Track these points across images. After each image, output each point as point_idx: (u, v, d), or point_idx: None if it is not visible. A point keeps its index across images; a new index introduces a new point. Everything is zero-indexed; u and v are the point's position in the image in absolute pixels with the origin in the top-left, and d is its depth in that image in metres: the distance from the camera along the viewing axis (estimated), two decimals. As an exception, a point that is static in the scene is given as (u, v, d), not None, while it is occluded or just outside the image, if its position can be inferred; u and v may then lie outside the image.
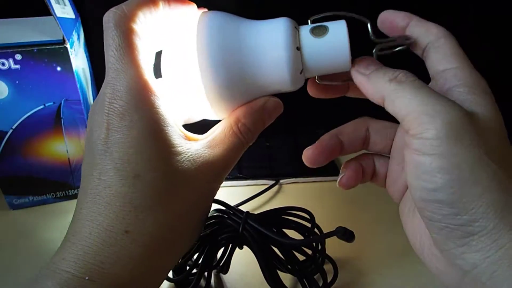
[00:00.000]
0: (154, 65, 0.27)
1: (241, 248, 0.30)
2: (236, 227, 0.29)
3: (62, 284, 0.22)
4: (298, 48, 0.25)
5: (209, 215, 0.30)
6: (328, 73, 0.27)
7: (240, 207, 0.44)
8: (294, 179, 0.50)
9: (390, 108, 0.24)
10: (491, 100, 0.24)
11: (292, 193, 0.49)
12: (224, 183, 0.48)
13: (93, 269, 0.23)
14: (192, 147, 0.26)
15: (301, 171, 0.51)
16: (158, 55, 0.27)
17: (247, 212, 0.30)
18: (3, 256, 0.39)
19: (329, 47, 0.25)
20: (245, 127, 0.27)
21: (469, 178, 0.21)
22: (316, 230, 0.34)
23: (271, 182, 0.49)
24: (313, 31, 0.25)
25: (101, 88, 0.25)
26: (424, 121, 0.22)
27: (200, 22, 0.26)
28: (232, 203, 0.30)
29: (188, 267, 0.31)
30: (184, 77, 0.26)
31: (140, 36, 0.25)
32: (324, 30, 0.25)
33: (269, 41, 0.25)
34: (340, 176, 0.31)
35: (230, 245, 0.31)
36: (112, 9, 0.24)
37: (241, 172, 0.50)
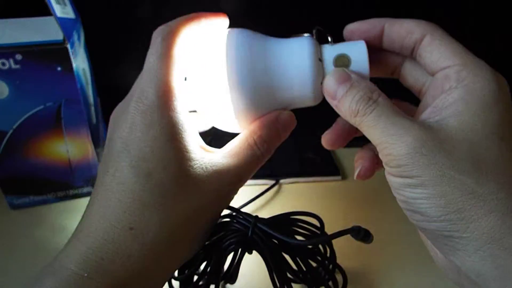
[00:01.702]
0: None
1: (250, 253, 0.30)
2: (245, 231, 0.28)
3: (61, 281, 0.22)
4: (321, 80, 0.27)
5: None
6: None
7: (241, 209, 0.44)
8: (294, 179, 0.50)
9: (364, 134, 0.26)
10: (483, 102, 0.23)
11: (292, 193, 0.49)
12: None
13: (93, 265, 0.23)
14: (207, 157, 0.26)
15: (301, 171, 0.51)
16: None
17: (256, 216, 0.29)
18: (3, 256, 0.39)
19: (357, 70, 0.27)
20: (261, 139, 0.27)
21: (433, 192, 0.22)
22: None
23: (271, 182, 0.49)
24: (336, 63, 0.27)
25: (130, 90, 0.27)
26: (386, 153, 0.24)
27: (229, 40, 0.27)
28: (233, 204, 0.29)
29: (195, 278, 0.30)
30: (212, 87, 0.27)
31: (181, 49, 0.27)
32: (347, 61, 0.27)
33: (296, 69, 0.27)
34: (357, 170, 0.31)
35: (239, 250, 0.30)
36: (163, 25, 0.27)
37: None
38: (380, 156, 0.25)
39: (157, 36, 0.26)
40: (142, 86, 0.25)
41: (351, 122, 0.26)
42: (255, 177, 0.50)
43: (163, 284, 0.27)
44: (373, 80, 0.27)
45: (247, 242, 0.29)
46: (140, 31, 0.53)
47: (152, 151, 0.24)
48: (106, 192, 0.25)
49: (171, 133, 0.25)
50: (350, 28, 0.28)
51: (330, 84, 0.26)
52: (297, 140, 0.55)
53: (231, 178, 0.27)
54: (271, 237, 0.29)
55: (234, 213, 0.29)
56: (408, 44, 0.27)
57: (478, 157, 0.22)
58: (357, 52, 0.27)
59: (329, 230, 0.31)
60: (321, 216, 0.32)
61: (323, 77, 0.27)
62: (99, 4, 0.50)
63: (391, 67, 0.30)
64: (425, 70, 0.27)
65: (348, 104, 0.25)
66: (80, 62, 0.41)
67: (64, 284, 0.22)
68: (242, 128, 0.29)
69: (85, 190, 0.47)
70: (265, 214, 0.31)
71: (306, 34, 0.28)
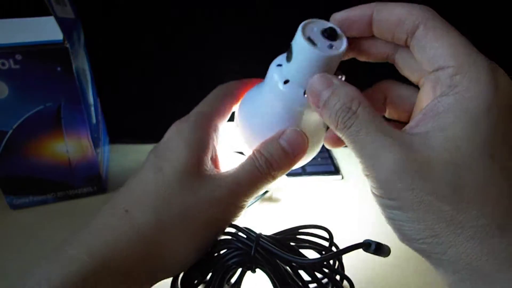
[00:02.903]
0: None
1: (253, 271, 0.29)
2: (248, 250, 0.28)
3: (60, 265, 0.24)
4: (286, 82, 0.27)
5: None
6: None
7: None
8: (293, 178, 0.50)
9: None
10: (473, 115, 0.21)
11: (292, 193, 0.49)
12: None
13: (88, 246, 0.25)
14: (215, 171, 0.29)
15: (301, 171, 0.51)
16: None
17: (260, 234, 0.28)
18: (3, 256, 0.39)
19: (304, 58, 0.26)
20: (259, 153, 0.28)
21: (411, 217, 0.22)
22: (334, 248, 0.32)
23: (271, 182, 0.49)
24: (287, 58, 0.27)
25: None
26: (365, 173, 0.24)
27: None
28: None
29: None
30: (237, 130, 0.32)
31: (230, 99, 0.31)
32: (290, 48, 0.27)
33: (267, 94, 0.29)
34: None
35: (240, 269, 0.29)
36: (226, 83, 0.32)
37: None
38: (362, 172, 0.24)
39: (218, 87, 0.32)
40: (192, 114, 0.30)
41: (335, 132, 0.25)
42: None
43: (155, 282, 0.27)
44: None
45: (250, 261, 0.28)
46: (140, 32, 0.53)
47: (172, 151, 0.28)
48: (127, 188, 0.28)
49: (194, 140, 0.28)
50: (337, 17, 0.26)
51: (312, 89, 0.25)
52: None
53: (227, 183, 0.28)
54: (275, 256, 0.28)
55: (236, 231, 0.29)
56: (399, 35, 0.24)
57: (461, 182, 0.21)
58: (296, 38, 0.26)
59: (337, 234, 0.30)
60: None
61: (287, 79, 0.27)
62: (99, 4, 0.50)
63: (383, 56, 0.27)
64: (421, 66, 0.24)
65: (328, 114, 0.24)
66: (80, 62, 0.41)
67: (57, 267, 0.24)
68: None
69: (85, 190, 0.47)
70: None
71: None
